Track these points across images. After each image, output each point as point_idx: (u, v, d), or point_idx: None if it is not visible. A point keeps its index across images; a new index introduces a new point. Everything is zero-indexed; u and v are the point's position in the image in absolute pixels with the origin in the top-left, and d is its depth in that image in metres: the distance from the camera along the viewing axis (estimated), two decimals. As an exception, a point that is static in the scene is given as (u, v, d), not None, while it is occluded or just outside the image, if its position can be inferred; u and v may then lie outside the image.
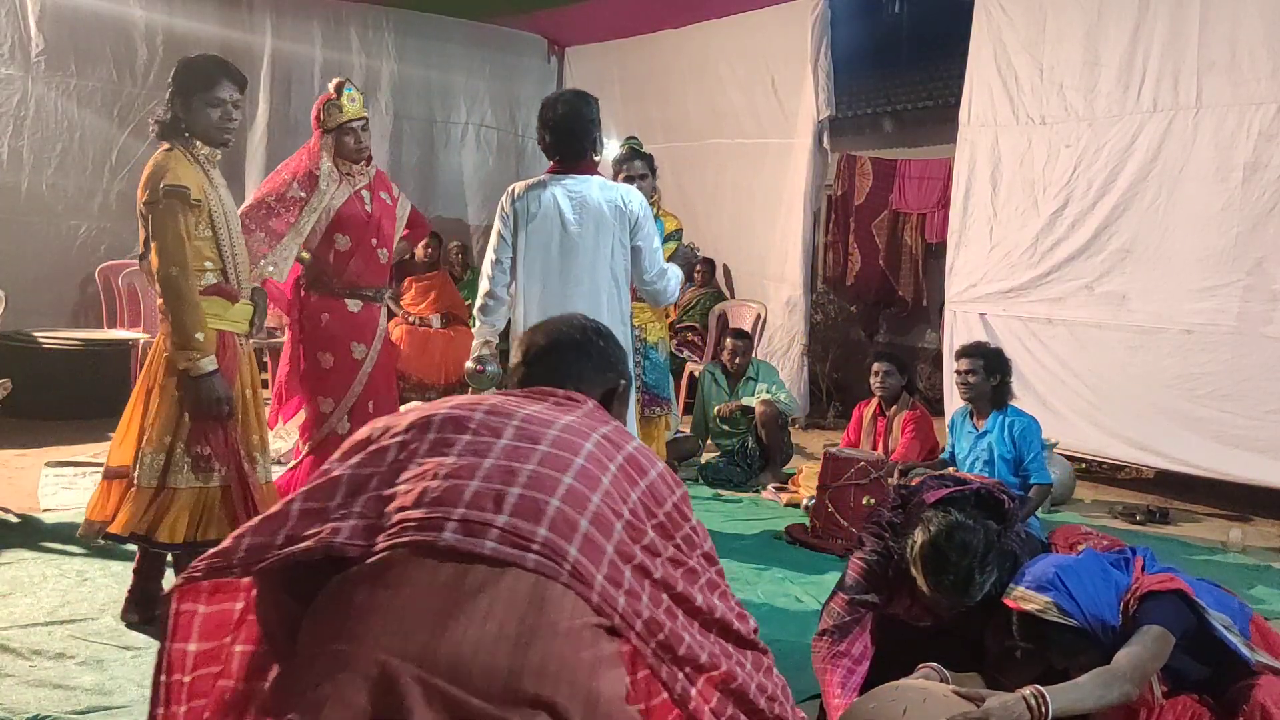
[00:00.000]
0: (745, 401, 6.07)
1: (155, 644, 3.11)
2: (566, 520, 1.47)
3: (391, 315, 7.96)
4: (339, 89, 3.99)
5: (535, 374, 1.88)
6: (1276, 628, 2.59)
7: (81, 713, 2.69)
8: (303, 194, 3.91)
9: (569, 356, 1.89)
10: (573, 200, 3.48)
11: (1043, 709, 2.12)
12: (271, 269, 3.88)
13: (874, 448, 5.48)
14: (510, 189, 3.61)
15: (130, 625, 3.26)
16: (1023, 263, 6.22)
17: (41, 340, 6.46)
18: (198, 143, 3.15)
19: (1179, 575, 2.40)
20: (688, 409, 6.90)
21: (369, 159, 4.16)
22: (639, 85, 9.08)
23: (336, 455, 1.66)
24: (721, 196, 8.49)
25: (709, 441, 6.32)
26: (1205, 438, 5.47)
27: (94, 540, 3.27)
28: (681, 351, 8.05)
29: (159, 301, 3.14)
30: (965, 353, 4.69)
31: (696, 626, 1.62)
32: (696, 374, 6.95)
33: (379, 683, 1.33)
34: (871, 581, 2.65)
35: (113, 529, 3.14)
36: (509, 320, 3.65)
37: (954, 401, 6.16)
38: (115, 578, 3.65)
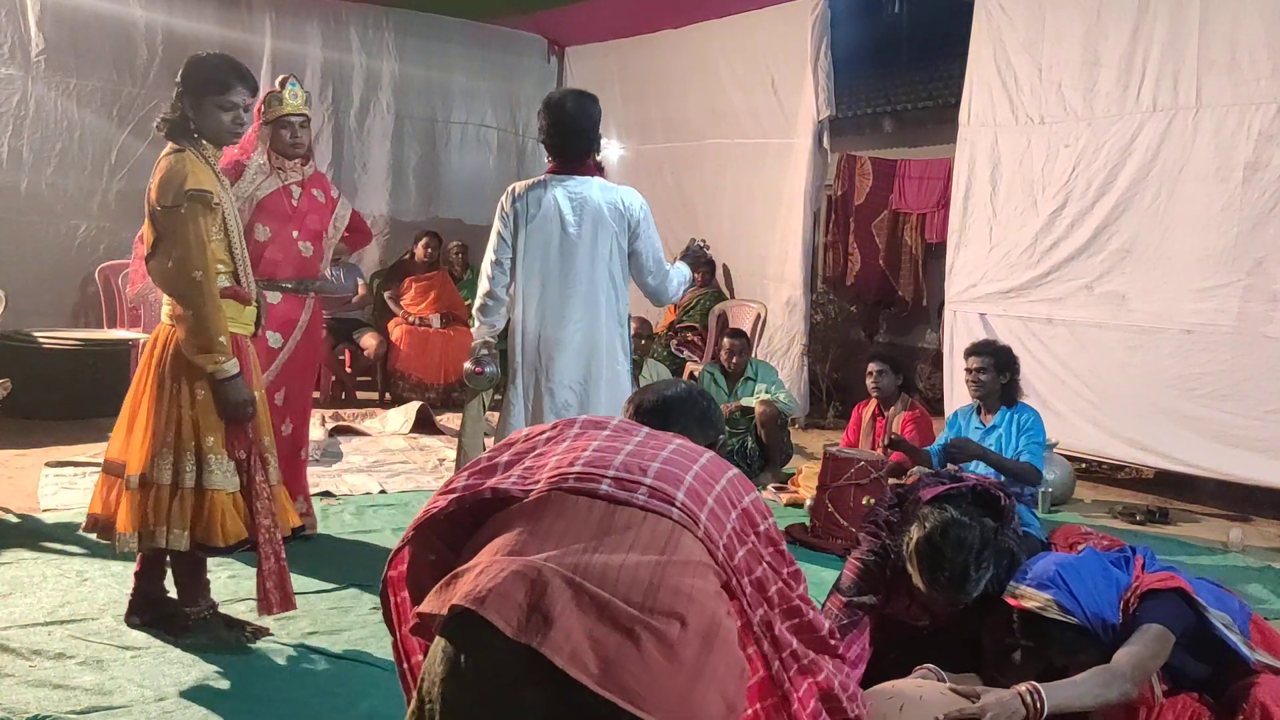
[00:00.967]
0: (745, 402, 6.07)
1: (155, 644, 3.13)
2: (698, 495, 1.73)
3: (391, 315, 7.97)
4: (283, 83, 4.02)
5: (646, 424, 2.09)
6: (1277, 627, 2.60)
7: (81, 713, 2.70)
8: (225, 182, 3.90)
9: (676, 410, 2.15)
10: (573, 201, 3.47)
11: (1038, 705, 2.14)
12: None
13: (873, 448, 5.48)
14: (510, 189, 3.59)
15: (133, 626, 3.26)
16: (1022, 263, 6.22)
17: (41, 340, 6.46)
18: (205, 143, 3.13)
19: (1179, 574, 2.40)
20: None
21: (307, 158, 4.15)
22: (639, 85, 9.08)
23: (490, 450, 1.96)
24: (721, 196, 8.49)
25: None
26: (1205, 438, 5.47)
27: (125, 548, 3.15)
28: (681, 351, 8.05)
29: (170, 305, 3.09)
30: (975, 351, 4.70)
31: (790, 623, 1.83)
32: (696, 374, 6.94)
33: (536, 583, 1.51)
34: (868, 582, 2.65)
35: (174, 545, 3.04)
36: (508, 321, 3.65)
37: (954, 401, 6.18)
38: (115, 578, 3.65)
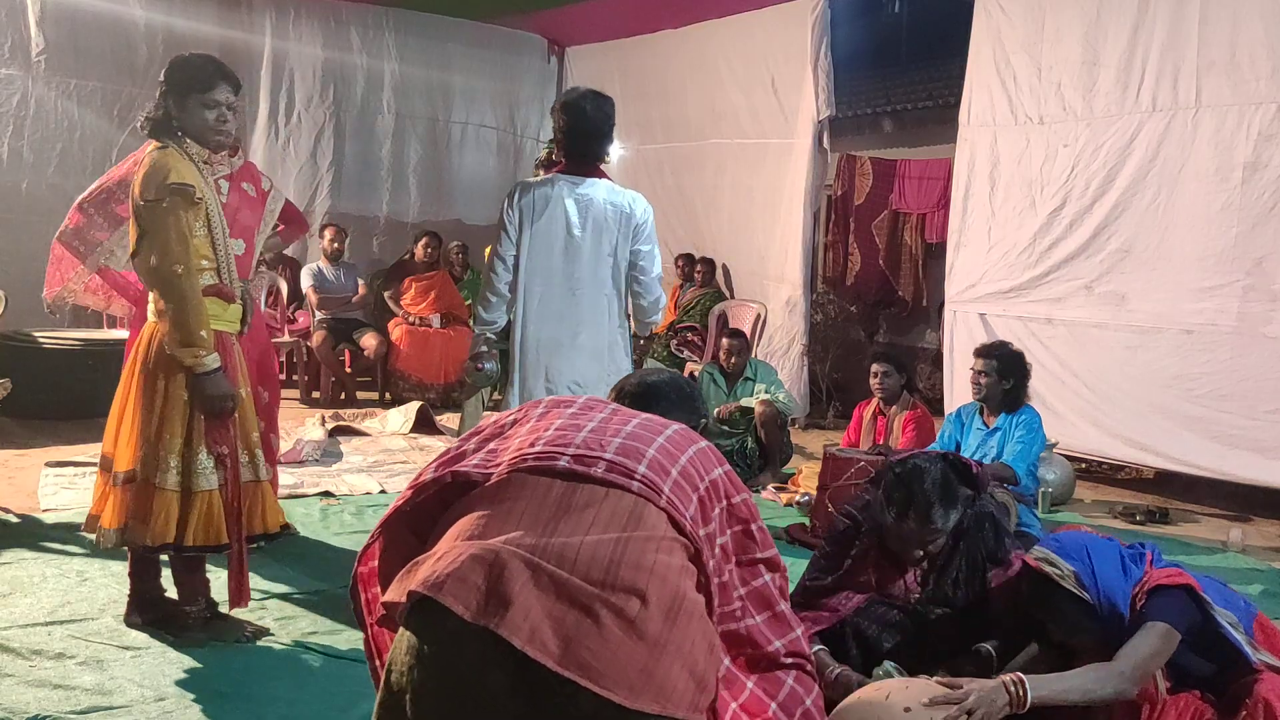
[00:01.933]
0: (744, 402, 6.06)
1: (155, 644, 3.13)
2: (660, 466, 1.74)
3: (391, 315, 7.97)
4: None
5: (629, 407, 2.10)
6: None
7: (81, 713, 2.70)
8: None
9: (658, 393, 2.17)
10: (579, 203, 3.46)
11: (1021, 694, 2.17)
12: (106, 258, 3.82)
13: (873, 447, 5.48)
14: (516, 186, 3.58)
15: (133, 626, 3.26)
16: (1021, 263, 6.22)
17: (41, 340, 6.46)
18: (189, 141, 3.13)
19: (1186, 571, 2.41)
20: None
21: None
22: (639, 85, 9.08)
23: (459, 440, 1.97)
24: (721, 196, 8.50)
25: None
26: (1205, 438, 5.47)
27: (106, 545, 3.17)
28: (681, 351, 8.06)
29: (154, 302, 3.11)
30: (982, 353, 4.66)
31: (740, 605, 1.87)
32: (696, 374, 6.95)
33: (493, 565, 1.52)
34: (829, 560, 2.78)
35: (150, 541, 3.05)
36: (509, 320, 3.64)
37: (955, 401, 6.18)
38: (115, 578, 3.65)
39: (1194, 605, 2.32)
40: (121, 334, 6.84)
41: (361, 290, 8.03)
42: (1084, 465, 6.29)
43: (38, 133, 7.32)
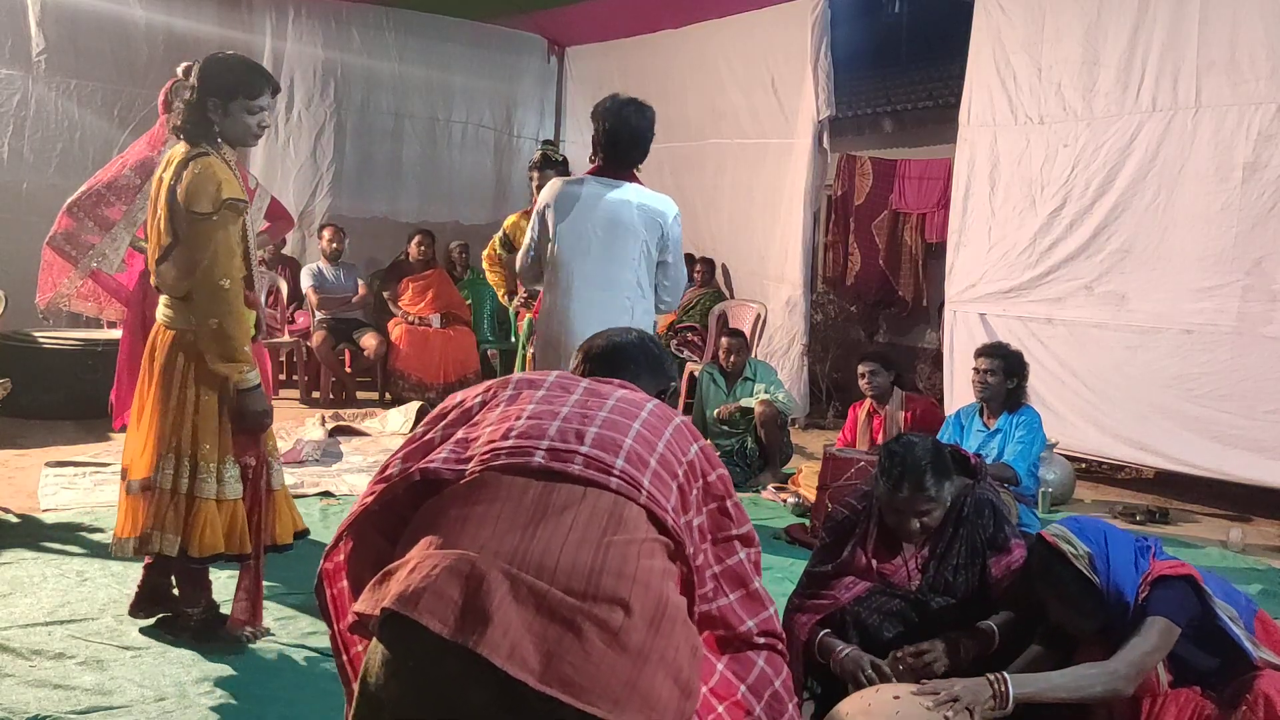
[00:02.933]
0: (744, 403, 6.06)
1: (155, 644, 3.13)
2: (638, 457, 1.67)
3: (391, 315, 7.97)
4: (186, 71, 3.93)
5: (596, 371, 2.08)
6: None
7: (81, 713, 2.70)
8: (138, 180, 3.81)
9: (626, 355, 2.10)
10: (609, 205, 3.51)
11: (1003, 689, 2.22)
12: (99, 261, 3.78)
13: (871, 446, 5.48)
14: (550, 185, 3.64)
15: (135, 617, 3.25)
16: (1021, 262, 6.22)
17: (41, 340, 6.46)
18: (224, 145, 3.06)
19: (1188, 564, 2.43)
20: (687, 409, 6.90)
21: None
22: (639, 85, 9.03)
23: (423, 423, 1.87)
24: (721, 196, 8.50)
25: (708, 441, 6.30)
26: (1204, 438, 5.47)
27: (138, 558, 3.15)
28: (681, 351, 8.06)
29: (169, 308, 3.04)
30: (986, 352, 4.69)
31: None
32: (696, 374, 6.95)
33: (470, 577, 1.46)
34: (829, 549, 2.82)
35: (199, 552, 3.01)
36: (539, 325, 3.73)
37: (954, 401, 6.18)
38: (115, 578, 3.65)
39: (1195, 597, 2.33)
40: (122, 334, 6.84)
41: (361, 290, 8.03)
42: (1084, 465, 6.29)
43: (38, 133, 7.32)
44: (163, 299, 3.09)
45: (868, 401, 5.65)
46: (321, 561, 1.82)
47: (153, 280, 3.14)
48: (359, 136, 8.92)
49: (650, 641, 1.47)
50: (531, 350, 3.78)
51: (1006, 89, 6.30)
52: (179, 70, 3.89)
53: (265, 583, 3.64)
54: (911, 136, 9.25)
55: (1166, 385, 5.62)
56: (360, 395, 7.90)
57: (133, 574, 3.40)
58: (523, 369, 3.89)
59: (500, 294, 5.75)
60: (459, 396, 1.90)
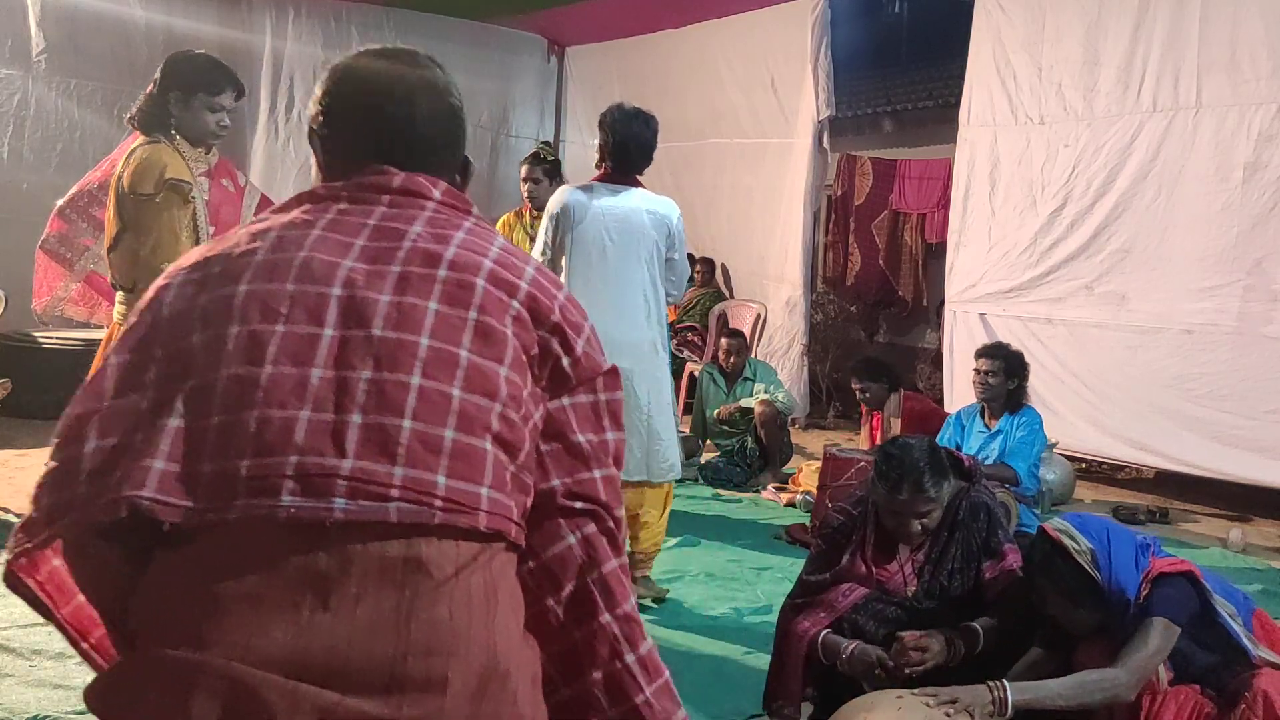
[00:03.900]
0: (744, 403, 6.07)
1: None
2: (426, 442, 1.11)
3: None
4: None
5: (341, 138, 1.32)
6: None
7: (81, 713, 2.69)
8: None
9: (395, 107, 1.30)
10: (618, 209, 3.67)
11: (1002, 696, 2.23)
12: (94, 263, 3.77)
13: (870, 445, 5.49)
14: (560, 191, 3.72)
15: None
16: (1022, 263, 6.22)
17: (41, 340, 6.46)
18: (180, 139, 3.08)
19: (1188, 560, 2.44)
20: (687, 409, 6.90)
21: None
22: (639, 85, 9.07)
23: (121, 353, 1.19)
24: (721, 196, 8.50)
25: (708, 441, 6.32)
26: (1205, 438, 5.47)
27: None
28: (681, 351, 8.06)
29: (124, 303, 3.04)
30: (986, 353, 4.70)
31: None
32: (696, 374, 6.95)
33: (233, 700, 1.04)
34: (825, 556, 2.81)
35: None
36: None
37: (954, 401, 6.18)
38: (115, 578, 3.65)
39: (1195, 594, 2.34)
40: (121, 334, 6.84)
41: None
42: (1084, 465, 6.29)
43: (38, 133, 7.32)
44: (117, 296, 3.09)
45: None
46: (9, 560, 1.20)
47: (109, 276, 3.14)
48: (359, 136, 8.91)
49: (477, 710, 1.11)
50: None
51: (1007, 89, 6.30)
52: None
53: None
54: (911, 136, 9.25)
55: (1167, 385, 5.62)
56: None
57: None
58: None
59: None
60: (162, 307, 1.19)
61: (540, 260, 3.64)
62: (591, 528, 1.23)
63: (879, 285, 9.22)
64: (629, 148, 3.70)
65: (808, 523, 4.93)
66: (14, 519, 4.40)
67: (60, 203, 3.98)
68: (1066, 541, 2.37)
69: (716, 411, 6.13)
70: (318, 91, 1.34)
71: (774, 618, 3.19)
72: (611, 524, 1.26)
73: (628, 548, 3.82)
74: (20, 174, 7.26)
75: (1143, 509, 5.52)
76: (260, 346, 1.13)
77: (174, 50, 3.43)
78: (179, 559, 1.11)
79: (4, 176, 7.20)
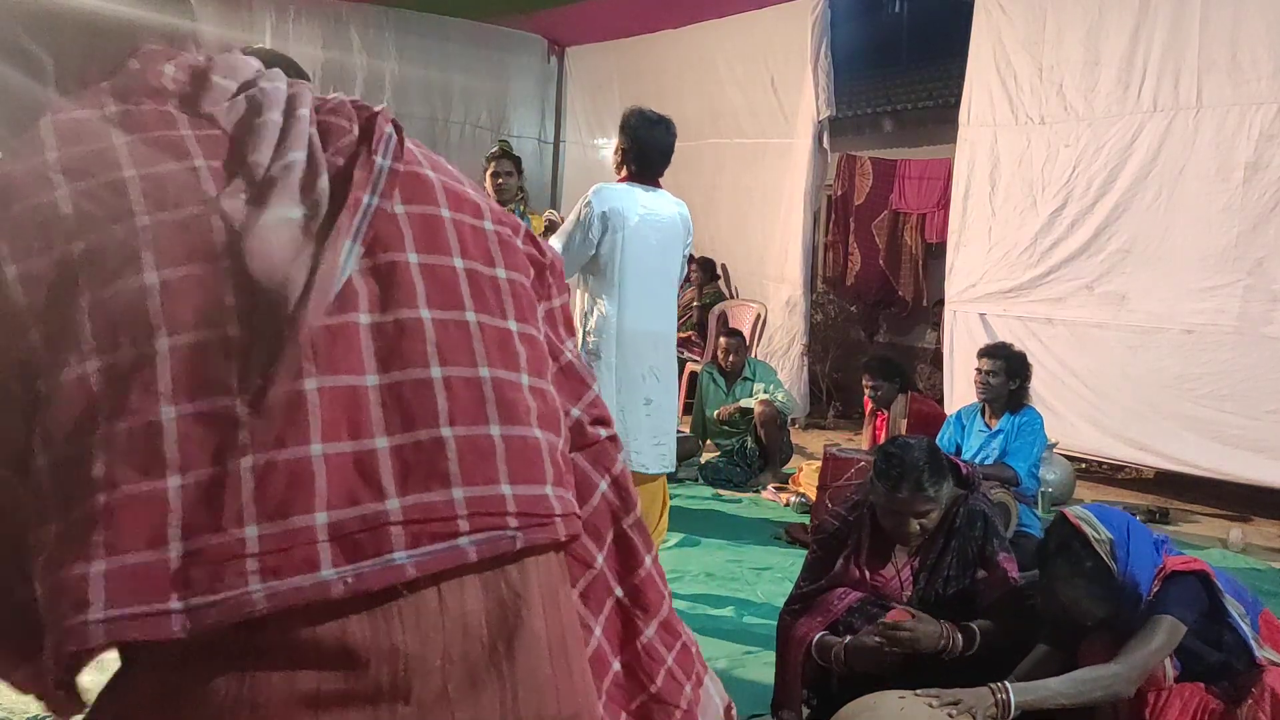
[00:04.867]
0: (744, 403, 6.07)
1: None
2: (476, 447, 0.85)
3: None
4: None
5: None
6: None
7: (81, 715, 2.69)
8: None
9: None
10: (659, 210, 3.83)
11: (1004, 698, 2.24)
12: None
13: (872, 444, 5.49)
14: (596, 191, 3.75)
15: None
16: (1022, 262, 6.22)
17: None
18: None
19: (1201, 560, 2.44)
20: (687, 409, 6.91)
21: None
22: (639, 85, 9.08)
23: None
24: (721, 196, 8.50)
25: (708, 441, 6.32)
26: (1205, 438, 5.47)
27: None
28: (681, 351, 8.07)
29: None
30: (988, 353, 4.70)
31: None
32: (696, 373, 6.95)
33: None
34: (821, 563, 2.81)
35: None
36: (602, 323, 3.78)
37: (954, 400, 6.18)
38: (115, 578, 3.64)
39: (1204, 593, 2.34)
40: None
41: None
42: (1084, 465, 6.29)
43: (37, 133, 7.32)
44: None
45: (870, 401, 5.68)
46: None
47: None
48: (359, 136, 8.91)
49: None
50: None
51: (1007, 89, 6.30)
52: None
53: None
54: (911, 136, 9.25)
55: (1167, 385, 5.62)
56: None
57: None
58: None
59: None
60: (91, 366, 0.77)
61: (580, 251, 3.70)
62: (619, 466, 1.05)
63: (879, 285, 9.22)
64: (653, 153, 3.83)
65: (807, 522, 4.92)
66: None
67: None
68: (1087, 529, 2.37)
69: (716, 412, 6.13)
70: None
71: (774, 619, 3.20)
72: (618, 441, 1.08)
73: None
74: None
75: (1143, 509, 5.52)
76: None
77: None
78: (167, 692, 0.81)
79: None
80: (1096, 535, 2.36)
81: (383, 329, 0.84)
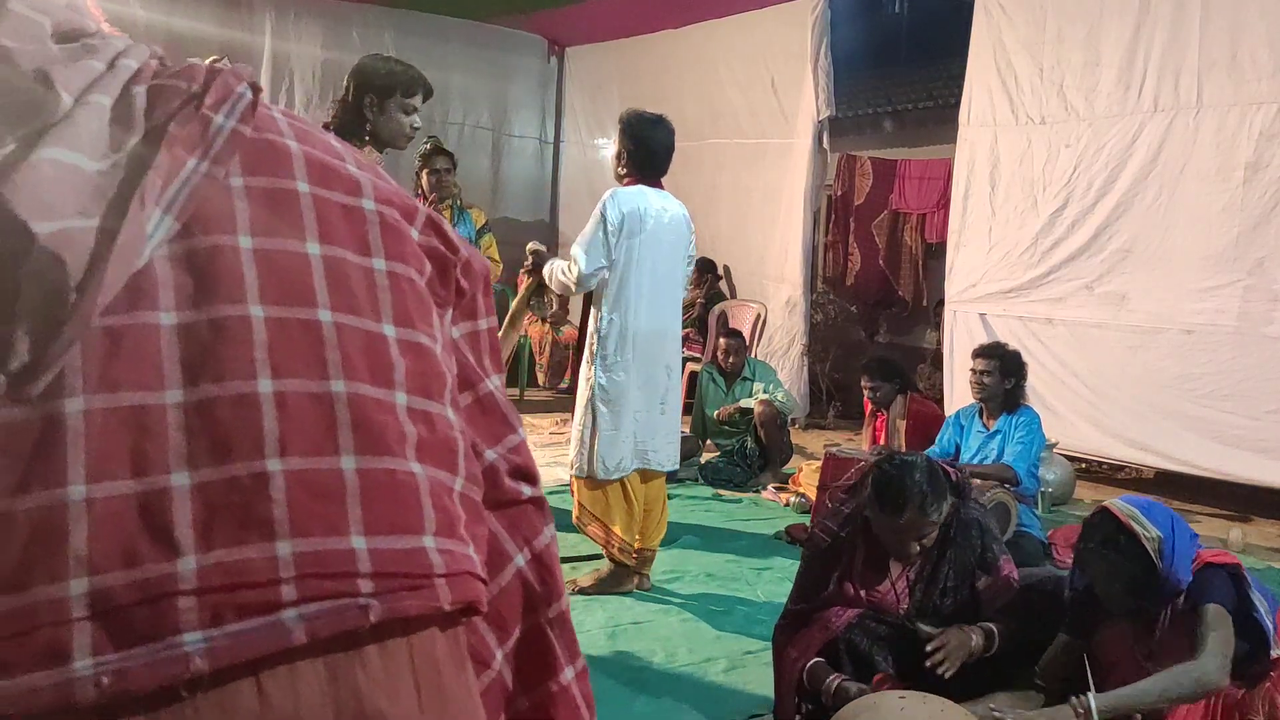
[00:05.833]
0: (744, 403, 6.07)
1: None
2: (313, 486, 0.61)
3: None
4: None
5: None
6: None
7: (81, 713, 2.69)
8: None
9: None
10: (668, 212, 3.87)
11: (1084, 709, 2.21)
12: None
13: (873, 444, 5.49)
14: (613, 196, 3.75)
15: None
16: (1022, 263, 6.23)
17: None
18: (370, 148, 3.07)
19: (1230, 553, 2.48)
20: (687, 409, 6.91)
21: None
22: (638, 85, 9.08)
23: None
24: (721, 196, 8.50)
25: (708, 441, 6.32)
26: (1205, 438, 5.47)
27: None
28: (681, 350, 8.08)
29: None
30: (983, 353, 4.71)
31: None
32: (697, 373, 6.95)
33: None
34: (814, 582, 2.78)
35: None
36: (614, 324, 3.78)
37: (954, 400, 6.18)
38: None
39: (1233, 585, 2.37)
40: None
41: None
42: (1084, 465, 6.29)
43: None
44: None
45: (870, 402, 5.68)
46: None
47: None
48: (359, 137, 8.91)
49: None
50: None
51: (1007, 89, 6.30)
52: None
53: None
54: (911, 136, 9.25)
55: (1167, 385, 5.62)
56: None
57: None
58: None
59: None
60: None
61: (601, 265, 3.70)
62: (544, 539, 0.79)
63: (879, 285, 9.22)
64: (659, 153, 3.85)
65: (807, 522, 4.92)
66: None
67: None
68: (1136, 527, 2.38)
69: (716, 412, 6.13)
70: None
71: (774, 618, 3.20)
72: (546, 509, 0.81)
73: (636, 544, 3.84)
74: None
75: (1143, 509, 5.51)
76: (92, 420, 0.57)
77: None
78: None
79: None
80: (1146, 534, 2.37)
81: (192, 331, 0.59)
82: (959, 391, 6.31)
